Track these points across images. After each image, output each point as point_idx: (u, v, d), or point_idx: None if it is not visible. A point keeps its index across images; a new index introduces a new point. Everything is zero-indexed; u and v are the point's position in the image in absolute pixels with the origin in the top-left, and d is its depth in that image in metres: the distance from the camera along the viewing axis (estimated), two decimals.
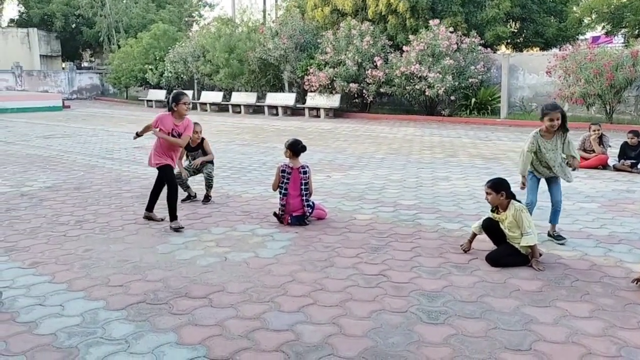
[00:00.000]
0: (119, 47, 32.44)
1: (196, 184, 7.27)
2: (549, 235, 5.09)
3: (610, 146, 9.03)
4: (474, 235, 4.77)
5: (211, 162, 6.89)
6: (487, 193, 4.57)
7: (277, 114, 21.03)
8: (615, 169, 8.54)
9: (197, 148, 6.86)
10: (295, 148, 5.69)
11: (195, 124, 6.82)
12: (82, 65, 44.00)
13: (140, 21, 36.11)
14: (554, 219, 5.12)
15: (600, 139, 8.88)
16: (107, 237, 5.34)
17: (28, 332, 3.34)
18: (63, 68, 39.22)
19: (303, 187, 5.59)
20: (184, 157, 6.84)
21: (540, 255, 4.51)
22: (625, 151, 8.65)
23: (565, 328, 3.34)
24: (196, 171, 6.90)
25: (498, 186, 4.52)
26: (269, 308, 3.66)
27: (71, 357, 3.03)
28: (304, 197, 5.59)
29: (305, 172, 5.61)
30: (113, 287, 4.05)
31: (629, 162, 8.45)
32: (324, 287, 4.03)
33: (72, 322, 3.47)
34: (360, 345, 3.15)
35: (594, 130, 8.91)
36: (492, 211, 4.63)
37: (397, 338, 3.23)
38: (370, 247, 4.96)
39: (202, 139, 6.87)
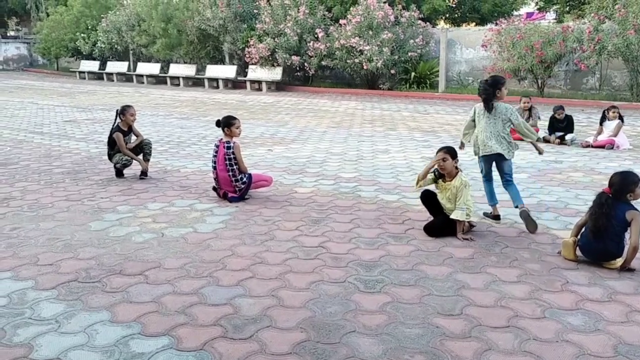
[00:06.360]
0: (48, 15, 30.62)
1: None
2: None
3: (539, 118, 9.41)
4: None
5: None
6: (443, 159, 4.49)
7: (217, 87, 20.59)
8: (545, 140, 8.93)
9: (128, 132, 6.66)
10: (217, 123, 5.68)
11: (128, 106, 6.62)
12: (8, 35, 41.32)
13: None
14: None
15: (530, 111, 9.24)
16: (36, 215, 5.10)
17: None
18: None
19: (227, 162, 5.50)
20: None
21: (473, 226, 4.66)
22: (553, 124, 9.06)
23: (495, 292, 3.50)
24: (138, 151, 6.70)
25: (454, 152, 4.54)
26: (207, 283, 3.62)
27: None
28: (230, 174, 5.53)
29: (229, 148, 5.52)
30: (42, 266, 3.89)
31: (557, 140, 8.84)
32: (264, 260, 4.02)
33: None
34: (299, 315, 3.18)
35: (524, 102, 9.25)
36: (437, 180, 4.64)
37: (334, 307, 3.28)
38: (310, 219, 4.98)
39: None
